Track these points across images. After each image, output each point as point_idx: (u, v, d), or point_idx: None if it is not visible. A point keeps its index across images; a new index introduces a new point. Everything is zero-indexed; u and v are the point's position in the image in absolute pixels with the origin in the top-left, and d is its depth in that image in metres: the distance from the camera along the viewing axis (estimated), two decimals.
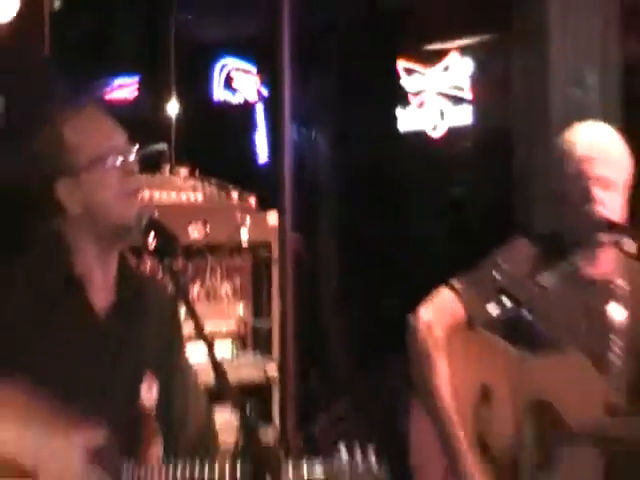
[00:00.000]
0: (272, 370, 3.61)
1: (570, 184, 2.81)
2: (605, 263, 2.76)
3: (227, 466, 2.13)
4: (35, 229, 2.76)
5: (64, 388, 2.42)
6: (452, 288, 2.84)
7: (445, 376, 2.70)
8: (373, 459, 2.42)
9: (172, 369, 2.48)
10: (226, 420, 2.58)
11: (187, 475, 2.22)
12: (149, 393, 2.32)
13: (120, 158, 2.45)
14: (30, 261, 2.49)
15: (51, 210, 2.44)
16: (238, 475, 2.03)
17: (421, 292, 2.84)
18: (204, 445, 2.47)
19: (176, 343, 2.53)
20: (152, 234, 2.14)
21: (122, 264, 2.49)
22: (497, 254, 2.69)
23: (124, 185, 2.48)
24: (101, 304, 2.55)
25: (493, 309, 2.54)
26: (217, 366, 2.25)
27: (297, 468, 2.34)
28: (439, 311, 2.74)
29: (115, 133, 2.55)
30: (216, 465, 2.25)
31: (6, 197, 3.58)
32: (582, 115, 3.51)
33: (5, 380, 2.27)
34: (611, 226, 2.63)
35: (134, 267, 2.55)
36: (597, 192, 2.78)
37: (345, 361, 5.31)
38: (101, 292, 2.54)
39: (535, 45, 4.18)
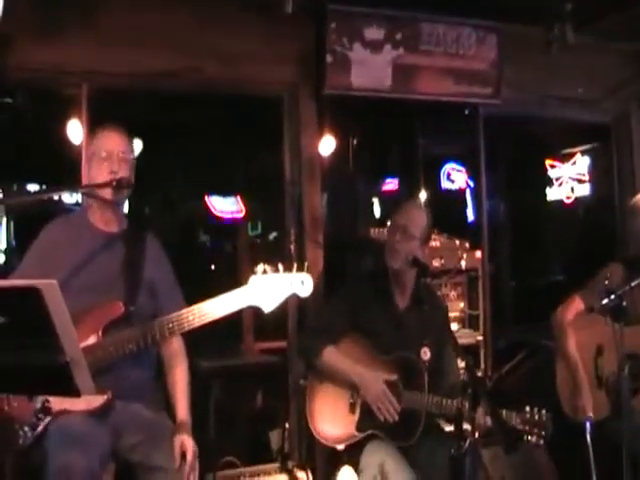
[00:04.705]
0: (479, 338, 5.17)
1: None
2: None
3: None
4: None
5: (377, 347, 3.53)
6: (577, 292, 4.04)
7: (572, 340, 3.95)
8: (544, 411, 3.27)
9: (442, 340, 3.58)
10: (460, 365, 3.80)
11: (444, 401, 3.36)
12: (425, 354, 3.46)
13: (407, 231, 3.54)
14: (370, 278, 3.77)
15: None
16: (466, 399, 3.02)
17: (559, 292, 4.22)
18: (453, 384, 3.56)
19: (445, 326, 3.68)
20: (415, 266, 3.52)
21: (417, 282, 3.63)
22: (603, 271, 4.00)
23: (399, 245, 3.55)
24: (401, 306, 3.66)
25: (604, 302, 3.37)
26: (454, 337, 3.45)
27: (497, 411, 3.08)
28: (568, 305, 4.01)
29: (412, 217, 3.61)
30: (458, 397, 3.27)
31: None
32: None
33: (350, 335, 3.57)
34: None
35: (424, 283, 3.72)
36: None
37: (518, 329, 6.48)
38: (401, 299, 3.67)
39: (625, 148, 5.71)
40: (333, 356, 3.48)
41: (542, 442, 3.24)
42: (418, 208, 3.75)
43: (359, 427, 3.46)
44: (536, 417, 3.24)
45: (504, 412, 3.25)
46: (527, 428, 3.23)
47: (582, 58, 5.32)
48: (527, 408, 3.26)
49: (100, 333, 2.83)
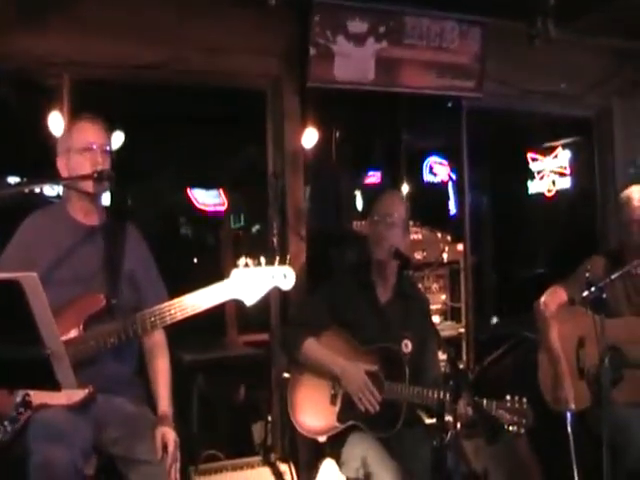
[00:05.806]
0: (461, 330, 5.26)
1: (629, 221, 3.97)
2: None
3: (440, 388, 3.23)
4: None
5: (359, 339, 3.51)
6: (559, 284, 4.06)
7: (555, 332, 3.97)
8: (524, 399, 3.21)
9: (424, 334, 3.56)
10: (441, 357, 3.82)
11: (425, 392, 3.29)
12: (406, 347, 3.44)
13: (389, 219, 3.50)
14: (353, 271, 3.76)
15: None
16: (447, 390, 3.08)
17: (542, 285, 4.13)
18: (435, 377, 3.57)
19: (427, 318, 3.67)
20: (397, 259, 3.48)
21: (399, 275, 3.63)
22: (585, 264, 3.98)
23: (382, 234, 3.51)
24: (382, 298, 3.65)
25: (585, 294, 3.39)
26: (436, 330, 3.58)
27: (476, 401, 3.17)
28: (551, 297, 4.01)
29: (390, 206, 3.57)
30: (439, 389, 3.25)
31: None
32: (633, 182, 4.93)
33: (332, 328, 3.55)
34: None
35: (406, 276, 3.66)
36: None
37: (499, 322, 6.66)
38: (383, 291, 3.66)
39: (606, 142, 5.76)
40: (314, 348, 3.46)
41: (523, 431, 3.19)
42: (397, 196, 3.79)
43: (340, 418, 3.44)
44: (516, 405, 3.20)
45: (484, 402, 3.23)
46: (508, 417, 3.19)
47: (564, 53, 5.34)
48: (507, 397, 3.22)
49: (81, 326, 2.82)
